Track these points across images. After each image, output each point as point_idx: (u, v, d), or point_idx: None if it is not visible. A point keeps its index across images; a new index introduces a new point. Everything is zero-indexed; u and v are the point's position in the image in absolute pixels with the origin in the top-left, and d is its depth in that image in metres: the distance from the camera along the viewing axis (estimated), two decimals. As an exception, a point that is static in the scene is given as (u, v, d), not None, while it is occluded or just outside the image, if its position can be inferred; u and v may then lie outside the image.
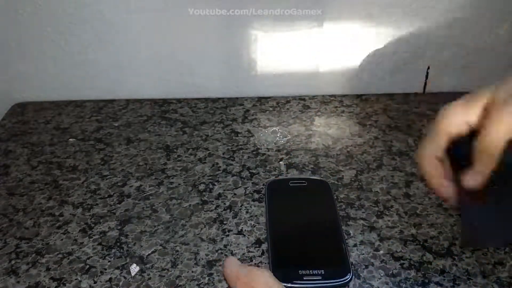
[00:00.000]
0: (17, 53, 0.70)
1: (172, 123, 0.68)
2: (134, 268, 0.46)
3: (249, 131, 0.66)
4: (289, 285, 0.42)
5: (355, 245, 0.48)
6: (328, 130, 0.65)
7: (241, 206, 0.53)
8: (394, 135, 0.65)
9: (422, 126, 0.66)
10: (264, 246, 0.48)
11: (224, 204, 0.54)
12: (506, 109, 0.34)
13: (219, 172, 0.58)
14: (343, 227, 0.50)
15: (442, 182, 0.38)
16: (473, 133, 0.36)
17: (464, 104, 0.38)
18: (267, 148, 0.62)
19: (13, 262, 0.47)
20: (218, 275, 0.45)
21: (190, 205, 0.54)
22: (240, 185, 0.56)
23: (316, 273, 0.42)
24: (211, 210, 0.53)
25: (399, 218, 0.51)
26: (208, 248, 0.48)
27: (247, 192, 0.55)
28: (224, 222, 0.51)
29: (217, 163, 0.60)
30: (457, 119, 0.38)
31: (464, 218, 0.37)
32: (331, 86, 0.72)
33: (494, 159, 0.34)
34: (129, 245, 0.49)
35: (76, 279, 0.45)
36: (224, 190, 0.56)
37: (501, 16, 0.68)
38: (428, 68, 0.72)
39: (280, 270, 0.43)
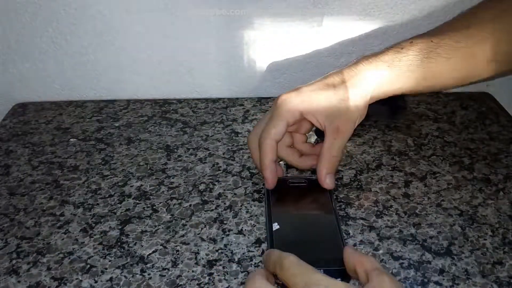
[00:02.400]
0: (17, 53, 0.70)
1: (172, 123, 0.69)
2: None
3: (249, 131, 0.66)
4: None
5: (354, 245, 0.48)
6: (328, 130, 0.66)
7: (241, 206, 0.53)
8: (393, 135, 0.65)
9: (421, 126, 0.66)
10: (264, 246, 0.48)
11: (224, 204, 0.54)
12: None
13: (219, 172, 0.59)
14: (342, 226, 0.50)
15: (272, 164, 0.50)
16: None
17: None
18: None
19: (14, 261, 0.47)
20: (219, 275, 0.45)
21: (190, 205, 0.54)
22: (240, 185, 0.57)
23: None
24: (212, 210, 0.53)
25: (398, 218, 0.51)
26: (208, 248, 0.48)
27: (247, 192, 0.55)
28: (225, 222, 0.51)
29: (218, 163, 0.60)
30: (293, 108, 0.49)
31: None
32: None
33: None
34: (130, 245, 0.49)
35: (77, 279, 0.45)
36: (224, 190, 0.56)
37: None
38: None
39: None
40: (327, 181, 0.51)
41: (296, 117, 0.50)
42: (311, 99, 0.49)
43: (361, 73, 0.49)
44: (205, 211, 0.53)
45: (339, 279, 0.40)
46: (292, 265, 0.36)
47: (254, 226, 0.51)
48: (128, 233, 0.50)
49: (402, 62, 0.49)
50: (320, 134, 0.63)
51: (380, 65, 0.49)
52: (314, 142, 0.63)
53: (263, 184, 0.55)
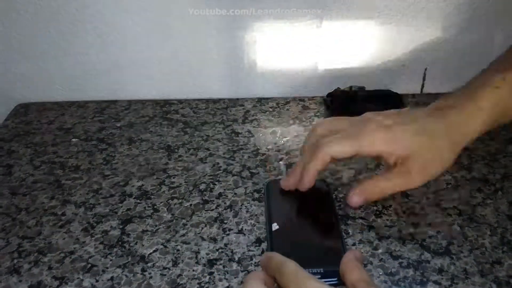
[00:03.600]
0: (19, 54, 0.71)
1: (173, 124, 0.69)
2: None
3: (249, 131, 0.67)
4: None
5: (354, 244, 0.48)
6: (328, 130, 0.66)
7: (241, 205, 0.54)
8: (393, 135, 0.65)
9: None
10: (264, 245, 0.48)
11: (225, 203, 0.54)
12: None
13: (220, 172, 0.59)
14: (342, 226, 0.50)
15: (316, 173, 0.47)
16: None
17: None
18: (267, 148, 0.63)
19: (15, 261, 0.47)
20: (219, 274, 0.45)
21: (191, 204, 0.54)
22: (240, 184, 0.57)
23: (315, 271, 0.42)
24: (212, 210, 0.53)
25: (397, 217, 0.51)
26: (208, 247, 0.48)
27: (247, 192, 0.56)
28: (225, 221, 0.52)
29: (218, 163, 0.60)
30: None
31: None
32: (330, 87, 0.72)
33: None
34: (131, 244, 0.49)
35: (78, 278, 0.45)
36: (224, 189, 0.56)
37: (499, 18, 0.69)
38: (426, 69, 0.73)
39: None
40: (354, 200, 0.48)
41: (370, 155, 0.47)
42: (398, 143, 0.46)
43: (461, 126, 0.46)
44: (206, 210, 0.53)
45: (336, 279, 0.41)
46: (291, 272, 0.36)
47: (254, 226, 0.51)
48: (129, 232, 0.51)
49: (499, 106, 0.46)
50: None
51: (480, 115, 0.46)
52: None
53: (263, 184, 0.56)
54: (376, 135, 0.46)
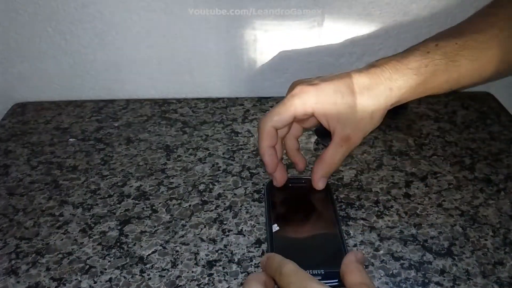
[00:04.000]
0: (17, 53, 0.70)
1: (172, 123, 0.68)
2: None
3: (249, 131, 0.66)
4: None
5: (355, 245, 0.48)
6: (328, 130, 0.65)
7: (241, 206, 0.53)
8: (394, 135, 0.65)
9: (422, 126, 0.66)
10: (264, 246, 0.48)
11: (224, 204, 0.54)
12: None
13: (219, 172, 0.58)
14: (343, 227, 0.50)
15: (269, 149, 0.49)
16: None
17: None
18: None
19: (13, 262, 0.47)
20: (218, 275, 0.45)
21: (190, 205, 0.54)
22: (240, 185, 0.56)
23: (316, 273, 0.42)
24: (211, 210, 0.53)
25: (399, 218, 0.51)
26: (208, 248, 0.48)
27: (247, 192, 0.55)
28: (224, 222, 0.51)
29: (217, 163, 0.60)
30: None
31: None
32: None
33: None
34: (129, 245, 0.49)
35: (76, 279, 0.45)
36: (224, 190, 0.56)
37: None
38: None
39: None
40: (320, 184, 0.51)
41: (307, 114, 0.48)
42: (327, 100, 0.46)
43: (386, 81, 0.47)
44: (205, 211, 0.53)
45: (336, 280, 0.41)
46: (291, 273, 0.36)
47: (254, 227, 0.50)
48: (128, 233, 0.50)
49: (428, 68, 0.47)
50: (321, 134, 0.63)
51: (407, 73, 0.47)
52: (315, 142, 0.63)
53: (263, 185, 0.55)
54: (306, 94, 0.46)
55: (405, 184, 0.56)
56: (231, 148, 0.63)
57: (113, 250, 0.48)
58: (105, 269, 0.46)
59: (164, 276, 0.45)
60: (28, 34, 0.68)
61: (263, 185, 0.55)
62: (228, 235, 0.50)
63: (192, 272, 0.46)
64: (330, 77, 0.47)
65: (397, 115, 0.67)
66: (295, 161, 0.54)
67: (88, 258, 0.47)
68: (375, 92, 0.46)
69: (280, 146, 0.51)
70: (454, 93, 0.73)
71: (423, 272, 0.45)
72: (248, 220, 0.51)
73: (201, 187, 0.56)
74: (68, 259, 0.47)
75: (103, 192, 0.56)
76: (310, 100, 0.46)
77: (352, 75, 0.47)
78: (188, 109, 0.72)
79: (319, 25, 0.68)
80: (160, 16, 0.67)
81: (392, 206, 0.53)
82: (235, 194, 0.55)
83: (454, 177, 0.57)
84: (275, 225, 0.48)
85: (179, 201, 0.54)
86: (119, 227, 0.51)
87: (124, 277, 0.45)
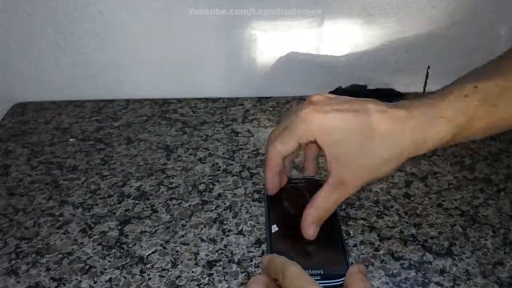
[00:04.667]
0: (17, 53, 0.70)
1: (172, 123, 0.68)
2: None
3: (249, 131, 0.66)
4: None
5: (355, 245, 0.48)
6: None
7: (241, 206, 0.53)
8: (394, 135, 0.64)
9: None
10: (264, 246, 0.48)
11: (224, 204, 0.54)
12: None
13: (219, 172, 0.58)
14: (343, 227, 0.50)
15: (274, 177, 0.47)
16: None
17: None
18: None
19: (13, 262, 0.47)
20: (218, 275, 0.45)
21: (190, 205, 0.54)
22: (240, 185, 0.56)
23: (316, 273, 0.42)
24: (211, 210, 0.53)
25: (399, 218, 0.51)
26: (208, 248, 0.48)
27: (247, 192, 0.55)
28: (224, 222, 0.51)
29: (217, 163, 0.60)
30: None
31: None
32: (331, 86, 0.72)
33: None
34: (129, 245, 0.49)
35: (76, 279, 0.45)
36: (224, 190, 0.56)
37: (501, 16, 0.68)
38: (428, 68, 0.72)
39: None
40: (310, 232, 0.44)
41: (310, 140, 0.42)
42: (332, 133, 0.40)
43: (411, 131, 0.39)
44: (205, 211, 0.53)
45: (336, 280, 0.41)
46: (293, 276, 0.36)
47: (254, 227, 0.50)
48: (128, 233, 0.50)
49: (465, 116, 0.39)
50: None
51: (440, 123, 0.39)
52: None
53: (263, 185, 0.55)
54: (311, 120, 0.41)
55: (405, 184, 0.56)
56: (231, 148, 0.63)
57: (113, 250, 0.48)
58: (105, 269, 0.46)
59: (164, 276, 0.45)
60: (28, 34, 0.68)
61: (263, 185, 0.55)
62: (228, 235, 0.49)
63: (192, 272, 0.46)
64: (347, 106, 0.41)
65: None
66: (307, 167, 0.51)
67: (88, 258, 0.47)
68: (394, 142, 0.39)
69: (284, 173, 0.50)
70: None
71: (423, 272, 0.45)
72: (248, 220, 0.51)
73: (201, 187, 0.56)
74: (68, 259, 0.47)
75: (103, 192, 0.56)
76: (314, 129, 0.41)
77: (372, 113, 0.40)
78: (188, 109, 0.72)
79: (319, 25, 0.68)
80: (160, 16, 0.67)
81: (392, 206, 0.53)
82: (235, 194, 0.55)
83: (454, 177, 0.57)
84: (274, 225, 0.48)
85: (179, 201, 0.54)
86: (119, 227, 0.51)
87: (124, 277, 0.45)
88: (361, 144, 0.39)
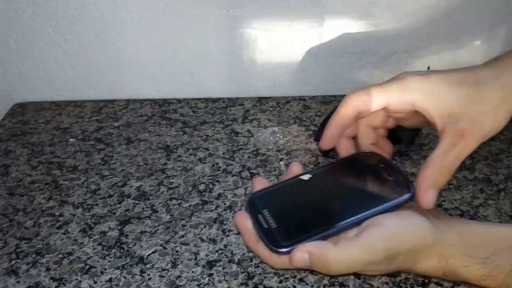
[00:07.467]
0: (17, 53, 0.70)
1: (172, 123, 0.68)
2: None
3: (249, 131, 0.66)
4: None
5: (355, 245, 0.48)
6: (328, 130, 0.65)
7: (241, 206, 0.53)
8: (394, 135, 0.64)
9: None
10: (264, 246, 0.48)
11: (224, 204, 0.54)
12: None
13: (219, 172, 0.58)
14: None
15: (335, 131, 0.42)
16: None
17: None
18: (267, 149, 0.62)
19: (13, 262, 0.47)
20: (218, 275, 0.45)
21: (190, 205, 0.54)
22: (240, 185, 0.56)
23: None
24: (211, 210, 0.53)
25: (399, 218, 0.51)
26: (208, 249, 0.48)
27: (247, 192, 0.55)
28: (224, 222, 0.51)
29: (217, 163, 0.60)
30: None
31: None
32: (331, 86, 0.72)
33: None
34: (129, 245, 0.49)
35: (76, 279, 0.45)
36: (224, 190, 0.56)
37: (500, 16, 0.68)
38: (428, 68, 0.72)
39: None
40: (428, 198, 0.37)
41: (406, 108, 0.39)
42: (434, 90, 0.37)
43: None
44: (205, 211, 0.53)
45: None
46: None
47: (254, 227, 0.50)
48: (128, 233, 0.50)
49: None
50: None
51: None
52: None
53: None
54: (409, 81, 0.38)
55: (405, 184, 0.56)
56: (231, 148, 0.63)
57: (113, 250, 0.48)
58: (105, 269, 0.46)
59: (164, 276, 0.45)
60: (28, 34, 0.68)
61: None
62: (228, 235, 0.49)
63: (192, 272, 0.46)
64: (443, 70, 0.39)
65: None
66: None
67: (88, 258, 0.47)
68: (503, 81, 0.37)
69: (351, 143, 0.43)
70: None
71: (423, 272, 0.45)
72: (248, 220, 0.51)
73: (201, 187, 0.56)
74: (68, 259, 0.47)
75: (103, 192, 0.56)
76: (411, 87, 0.38)
77: (472, 68, 0.38)
78: (188, 109, 0.72)
79: (319, 25, 0.68)
80: (160, 16, 0.67)
81: (392, 206, 0.53)
82: (235, 194, 0.55)
83: (454, 177, 0.57)
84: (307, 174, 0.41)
85: (179, 201, 0.54)
86: (119, 227, 0.51)
87: (124, 277, 0.45)
88: (469, 93, 0.37)
